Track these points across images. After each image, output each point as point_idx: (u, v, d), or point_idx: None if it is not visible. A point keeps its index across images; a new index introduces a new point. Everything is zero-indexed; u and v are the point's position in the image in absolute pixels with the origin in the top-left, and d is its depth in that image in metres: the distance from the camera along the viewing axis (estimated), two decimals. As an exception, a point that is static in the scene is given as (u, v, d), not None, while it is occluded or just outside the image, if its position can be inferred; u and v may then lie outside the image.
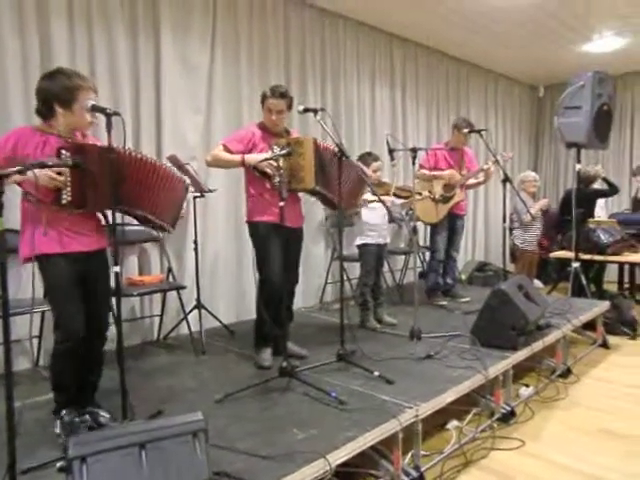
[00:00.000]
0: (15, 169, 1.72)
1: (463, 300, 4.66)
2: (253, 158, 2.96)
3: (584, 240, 5.08)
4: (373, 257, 3.92)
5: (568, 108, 4.83)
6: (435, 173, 4.52)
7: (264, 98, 3.06)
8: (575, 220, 4.97)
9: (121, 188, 2.14)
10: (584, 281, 4.86)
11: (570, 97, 4.84)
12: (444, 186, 4.54)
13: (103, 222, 2.38)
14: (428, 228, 5.29)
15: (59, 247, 2.16)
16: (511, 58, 6.70)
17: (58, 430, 2.18)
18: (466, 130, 4.42)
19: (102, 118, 2.07)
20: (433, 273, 4.72)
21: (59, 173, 2.06)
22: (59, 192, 2.09)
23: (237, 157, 3.00)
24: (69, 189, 2.09)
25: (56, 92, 2.14)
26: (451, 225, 4.67)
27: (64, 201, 2.10)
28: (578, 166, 5.06)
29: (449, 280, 4.78)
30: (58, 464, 1.50)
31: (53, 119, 2.19)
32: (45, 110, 2.18)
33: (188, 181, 2.67)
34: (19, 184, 2.11)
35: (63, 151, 2.07)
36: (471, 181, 4.67)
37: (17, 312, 2.58)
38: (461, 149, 4.68)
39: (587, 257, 5.05)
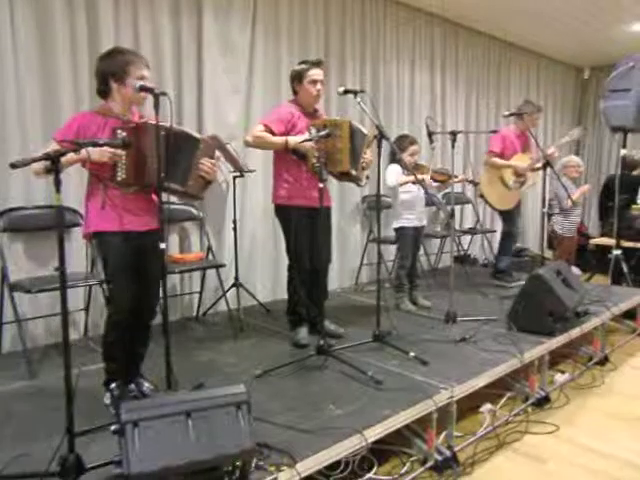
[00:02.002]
0: (70, 148, 1.81)
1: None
2: (295, 140, 2.95)
3: (626, 227, 4.96)
4: (410, 240, 3.92)
5: (615, 91, 4.67)
6: (503, 162, 4.43)
7: (303, 72, 3.04)
8: (618, 206, 4.84)
9: (171, 167, 2.20)
10: (625, 269, 4.75)
11: (618, 79, 4.67)
12: (514, 172, 4.46)
13: (156, 201, 2.45)
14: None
15: (117, 225, 2.26)
16: (556, 38, 6.48)
17: (108, 401, 2.30)
18: (539, 114, 4.36)
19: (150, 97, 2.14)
20: (507, 256, 4.71)
21: (113, 152, 2.14)
22: (115, 169, 2.18)
23: (281, 139, 2.98)
24: (124, 166, 2.18)
25: (111, 68, 2.25)
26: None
27: (119, 178, 2.19)
28: (623, 151, 4.91)
29: (504, 264, 4.81)
30: (112, 427, 1.59)
31: (110, 97, 2.30)
32: (103, 88, 2.30)
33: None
34: (83, 165, 2.24)
35: (118, 130, 2.14)
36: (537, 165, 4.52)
37: (71, 285, 2.71)
38: (526, 133, 4.55)
39: (629, 244, 4.93)
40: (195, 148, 2.36)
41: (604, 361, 3.66)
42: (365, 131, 3.01)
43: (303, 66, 3.06)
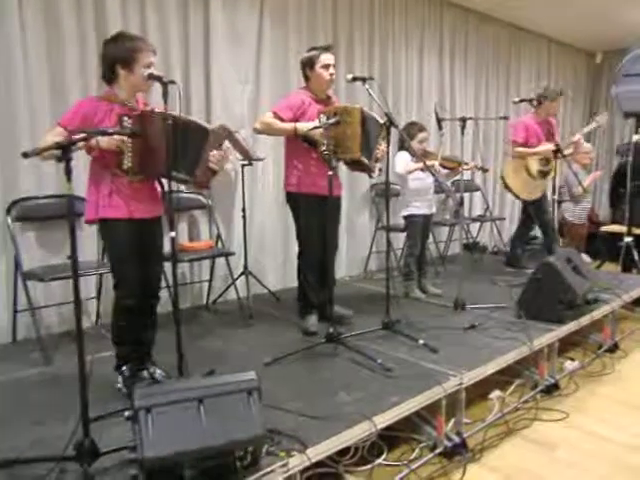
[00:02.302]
0: (80, 137, 1.82)
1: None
2: (305, 127, 2.94)
3: (638, 214, 4.91)
4: (419, 228, 3.92)
5: (628, 75, 4.62)
6: (529, 150, 4.35)
7: (314, 58, 3.03)
8: (629, 193, 4.80)
9: (175, 153, 2.19)
10: (636, 256, 4.72)
11: (630, 64, 4.62)
12: (540, 160, 4.40)
13: (159, 190, 2.47)
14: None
15: (123, 213, 2.27)
16: (568, 22, 6.37)
17: (120, 385, 2.35)
18: (560, 100, 4.35)
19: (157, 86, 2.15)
20: (555, 243, 4.59)
21: (120, 140, 2.15)
22: (121, 157, 2.18)
23: (289, 125, 2.99)
24: (130, 155, 2.18)
25: (118, 54, 2.24)
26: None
27: (125, 166, 2.19)
28: (635, 137, 4.86)
29: (519, 251, 4.85)
30: (126, 413, 1.62)
31: (116, 83, 2.29)
32: (109, 73, 2.29)
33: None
34: (88, 152, 2.23)
35: (125, 117, 2.14)
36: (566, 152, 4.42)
37: (82, 274, 2.72)
38: (547, 120, 4.50)
39: (641, 232, 4.90)
40: (204, 139, 2.35)
41: (614, 348, 3.65)
42: (379, 119, 2.98)
43: (314, 52, 3.06)
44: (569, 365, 3.28)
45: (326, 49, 3.07)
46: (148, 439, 1.52)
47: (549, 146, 4.21)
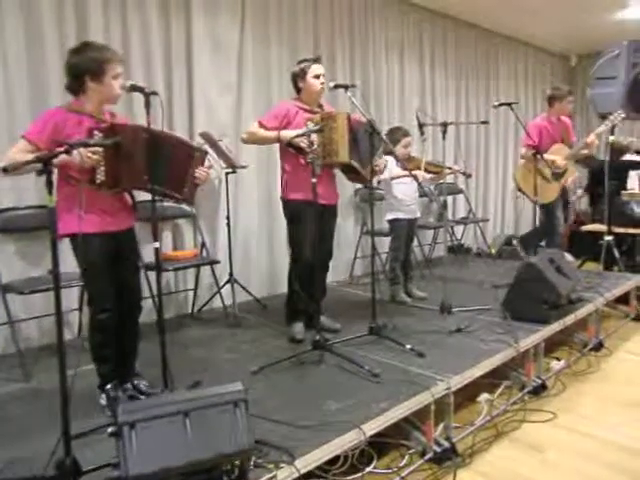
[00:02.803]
0: (62, 149, 1.77)
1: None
2: (288, 134, 2.98)
3: (617, 213, 4.98)
4: (404, 232, 3.92)
5: (602, 78, 4.70)
6: (548, 158, 4.27)
7: (306, 69, 3.06)
8: (608, 193, 4.86)
9: (152, 167, 2.16)
10: (617, 254, 4.78)
11: (604, 67, 4.70)
12: (552, 164, 4.35)
13: (130, 201, 2.42)
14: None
15: (94, 227, 2.21)
16: (543, 27, 6.48)
17: (103, 402, 2.28)
18: (571, 99, 4.29)
19: (140, 98, 2.11)
20: (556, 247, 4.42)
21: (93, 153, 2.09)
22: (94, 172, 2.13)
23: (272, 133, 3.03)
24: (102, 169, 2.14)
25: (87, 66, 2.16)
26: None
27: (98, 180, 2.15)
28: (611, 137, 4.92)
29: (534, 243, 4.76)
30: (109, 429, 1.58)
31: (83, 94, 2.21)
32: (76, 85, 2.20)
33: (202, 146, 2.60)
34: (60, 166, 2.12)
35: (96, 131, 2.10)
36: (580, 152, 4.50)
37: (65, 285, 2.69)
38: (561, 120, 4.49)
39: (620, 230, 4.95)
40: (189, 157, 2.34)
41: (599, 347, 3.68)
42: (382, 135, 3.02)
43: (305, 63, 3.10)
44: (555, 365, 3.30)
45: (316, 60, 3.12)
46: (132, 455, 1.49)
47: (552, 156, 4.26)
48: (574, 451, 2.43)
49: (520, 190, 4.55)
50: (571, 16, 6.01)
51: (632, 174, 5.95)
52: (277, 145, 3.15)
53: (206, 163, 2.48)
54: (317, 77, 3.07)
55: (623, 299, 4.32)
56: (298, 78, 3.11)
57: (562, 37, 6.97)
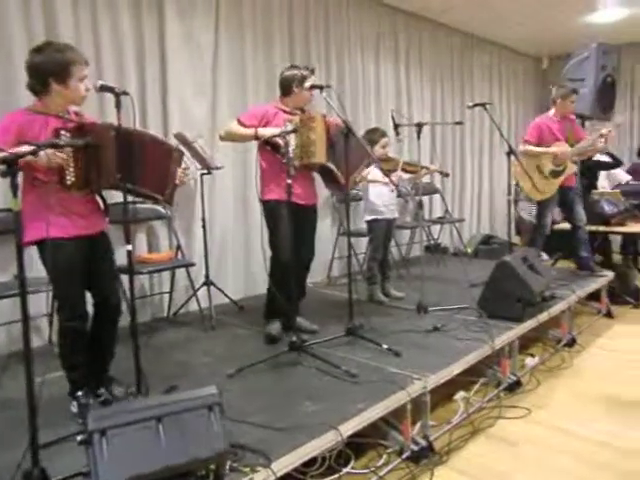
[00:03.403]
0: (29, 150, 1.72)
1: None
2: (266, 132, 2.97)
3: (588, 212, 5.06)
4: (382, 232, 3.94)
5: (572, 80, 4.78)
6: (541, 150, 4.31)
7: (306, 78, 3.04)
8: (581, 192, 4.94)
9: (124, 166, 2.12)
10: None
11: (574, 69, 4.80)
12: (554, 160, 4.33)
13: (101, 204, 2.37)
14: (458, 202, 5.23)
15: (62, 231, 2.14)
16: (515, 30, 6.57)
17: (75, 410, 2.22)
18: (574, 97, 4.24)
19: (111, 98, 2.08)
20: (533, 248, 4.48)
21: (61, 153, 2.04)
22: (63, 173, 2.08)
23: (250, 130, 3.02)
24: (72, 170, 2.09)
25: (51, 67, 2.09)
26: (564, 199, 4.49)
27: (68, 182, 2.09)
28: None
29: (585, 253, 4.54)
30: (79, 437, 1.53)
31: (47, 95, 2.14)
32: (40, 86, 2.13)
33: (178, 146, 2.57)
34: (26, 168, 2.05)
35: (62, 132, 2.05)
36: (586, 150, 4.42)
37: (32, 291, 2.61)
38: (568, 118, 4.47)
39: (592, 228, 5.04)
40: (168, 155, 2.31)
41: (572, 343, 3.75)
42: (366, 146, 3.04)
43: (304, 72, 3.08)
44: (530, 361, 3.35)
45: (312, 72, 3.13)
46: (103, 463, 1.45)
47: (554, 149, 4.25)
48: (548, 446, 2.47)
49: (517, 185, 4.55)
50: (542, 19, 6.11)
51: (602, 174, 6.09)
52: (254, 146, 3.15)
53: (182, 164, 2.45)
54: (310, 90, 3.07)
55: (595, 296, 4.41)
56: (294, 83, 3.07)
57: (534, 40, 7.08)
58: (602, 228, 5.06)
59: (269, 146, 3.00)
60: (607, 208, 4.99)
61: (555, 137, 4.37)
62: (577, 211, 4.51)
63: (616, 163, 5.71)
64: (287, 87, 3.11)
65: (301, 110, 3.16)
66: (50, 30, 3.24)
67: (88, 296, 2.32)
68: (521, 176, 4.39)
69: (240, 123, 3.07)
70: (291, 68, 3.15)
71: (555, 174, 4.35)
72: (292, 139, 2.85)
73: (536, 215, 4.67)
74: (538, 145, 4.34)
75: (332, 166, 3.01)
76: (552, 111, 4.46)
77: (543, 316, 3.42)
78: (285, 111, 3.10)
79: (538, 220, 4.60)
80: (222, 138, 3.21)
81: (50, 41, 2.25)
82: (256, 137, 3.02)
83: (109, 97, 2.23)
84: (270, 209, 3.10)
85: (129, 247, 2.12)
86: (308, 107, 3.26)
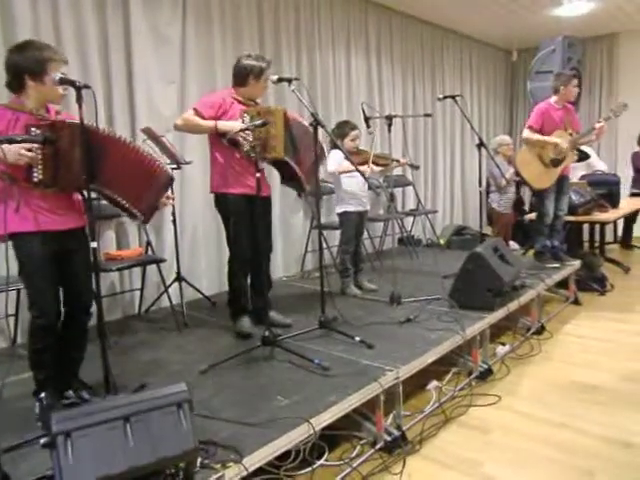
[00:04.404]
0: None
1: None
2: (226, 126, 2.90)
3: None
4: (354, 225, 3.94)
5: (540, 72, 4.85)
6: (541, 138, 4.28)
7: (264, 70, 3.00)
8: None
9: (94, 167, 2.09)
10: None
11: (541, 61, 4.87)
12: (555, 149, 4.28)
13: (80, 199, 2.33)
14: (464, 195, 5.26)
15: (33, 225, 2.12)
16: (484, 22, 6.64)
17: (37, 411, 2.17)
18: (575, 82, 4.19)
19: (72, 92, 2.02)
20: (541, 237, 4.57)
21: (29, 150, 2.01)
22: (30, 170, 2.05)
23: (210, 123, 2.93)
24: (40, 167, 2.05)
25: (27, 65, 2.10)
26: (559, 187, 4.48)
27: (35, 179, 2.06)
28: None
29: (556, 242, 4.61)
30: (42, 440, 1.50)
31: (24, 93, 2.14)
32: (16, 84, 2.14)
33: (170, 171, 2.49)
34: None
35: (33, 128, 2.02)
36: (582, 139, 4.44)
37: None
38: (565, 105, 4.40)
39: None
40: (151, 172, 2.31)
41: (541, 330, 3.83)
42: (306, 124, 2.97)
43: (262, 64, 3.01)
44: (500, 350, 3.41)
45: (270, 65, 3.07)
46: (68, 466, 1.42)
47: (555, 139, 4.23)
48: (518, 432, 2.52)
49: (518, 175, 4.52)
50: (511, 11, 6.17)
51: (583, 164, 6.18)
52: (208, 138, 3.08)
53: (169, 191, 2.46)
54: (266, 82, 3.05)
55: (563, 283, 4.50)
56: (252, 74, 3.01)
57: (503, 32, 7.15)
58: (571, 218, 5.15)
59: (225, 140, 2.90)
60: (574, 198, 5.08)
61: (556, 124, 4.33)
62: (562, 200, 4.53)
63: (582, 156, 5.80)
64: (243, 78, 3.03)
65: (254, 102, 3.11)
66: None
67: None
68: (522, 165, 4.40)
69: (197, 113, 2.96)
70: (248, 57, 3.05)
71: (555, 163, 4.34)
72: (249, 134, 2.80)
73: (536, 205, 4.63)
74: (540, 131, 4.31)
75: (291, 162, 2.96)
76: (554, 98, 4.40)
77: (513, 305, 3.48)
78: (240, 101, 3.04)
79: (538, 210, 4.58)
80: (177, 127, 3.06)
81: (31, 40, 2.25)
82: (215, 130, 2.93)
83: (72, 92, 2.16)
84: (228, 204, 3.05)
85: (94, 244, 2.07)
86: (261, 100, 3.22)
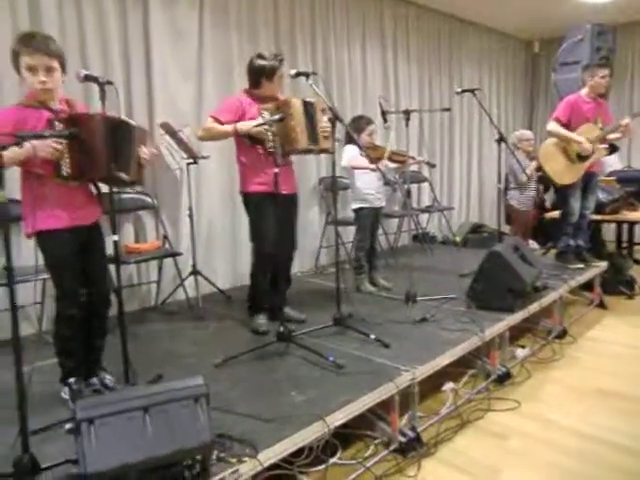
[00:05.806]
0: (13, 142, 1.71)
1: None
2: (245, 125, 2.91)
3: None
4: (369, 221, 3.90)
5: (565, 64, 4.72)
6: (566, 134, 4.10)
7: (276, 69, 2.98)
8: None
9: (116, 154, 2.11)
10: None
11: (567, 52, 4.74)
12: (579, 145, 4.10)
13: (95, 192, 2.37)
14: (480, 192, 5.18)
15: (60, 222, 2.17)
16: (505, 12, 6.40)
17: (66, 396, 2.23)
18: (603, 72, 4.03)
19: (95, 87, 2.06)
20: (565, 236, 4.38)
21: (57, 144, 2.03)
22: (58, 164, 2.08)
23: (229, 127, 2.95)
24: (67, 160, 2.08)
25: (12, 59, 2.12)
26: (585, 184, 4.26)
27: (64, 173, 2.09)
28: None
29: (581, 242, 4.42)
30: (67, 426, 1.55)
31: (24, 86, 2.16)
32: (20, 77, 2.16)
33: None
34: (24, 164, 2.09)
35: (56, 122, 2.04)
36: (610, 136, 4.18)
37: (20, 280, 2.60)
38: (596, 99, 4.20)
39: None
40: (132, 135, 2.26)
41: (563, 334, 3.70)
42: (312, 100, 2.96)
43: (274, 63, 2.99)
44: (520, 353, 3.32)
45: (282, 61, 3.04)
46: (91, 452, 1.46)
47: (579, 138, 4.06)
48: (537, 439, 2.45)
49: (541, 170, 4.37)
50: (534, 2, 5.94)
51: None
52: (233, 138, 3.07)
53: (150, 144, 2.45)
54: (281, 79, 3.04)
55: (587, 286, 4.35)
56: (264, 75, 2.99)
57: (524, 22, 6.87)
58: (595, 216, 5.00)
59: (248, 139, 2.93)
60: (601, 196, 4.89)
61: (585, 117, 4.13)
62: (589, 198, 4.33)
63: (612, 149, 5.63)
64: (256, 79, 3.03)
65: (274, 98, 3.07)
66: (34, 19, 3.19)
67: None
68: (545, 158, 4.24)
69: (216, 120, 2.98)
70: (259, 58, 3.01)
71: (582, 158, 4.13)
72: (268, 129, 2.79)
73: (560, 202, 4.45)
74: (567, 124, 4.14)
75: (313, 146, 2.94)
76: (584, 90, 4.21)
77: (534, 307, 3.39)
78: (258, 99, 3.03)
79: (563, 208, 4.37)
80: (201, 138, 3.14)
81: (19, 32, 2.27)
82: (236, 132, 2.95)
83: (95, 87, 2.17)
84: (253, 202, 3.06)
85: (115, 237, 2.11)
86: (281, 94, 3.21)
